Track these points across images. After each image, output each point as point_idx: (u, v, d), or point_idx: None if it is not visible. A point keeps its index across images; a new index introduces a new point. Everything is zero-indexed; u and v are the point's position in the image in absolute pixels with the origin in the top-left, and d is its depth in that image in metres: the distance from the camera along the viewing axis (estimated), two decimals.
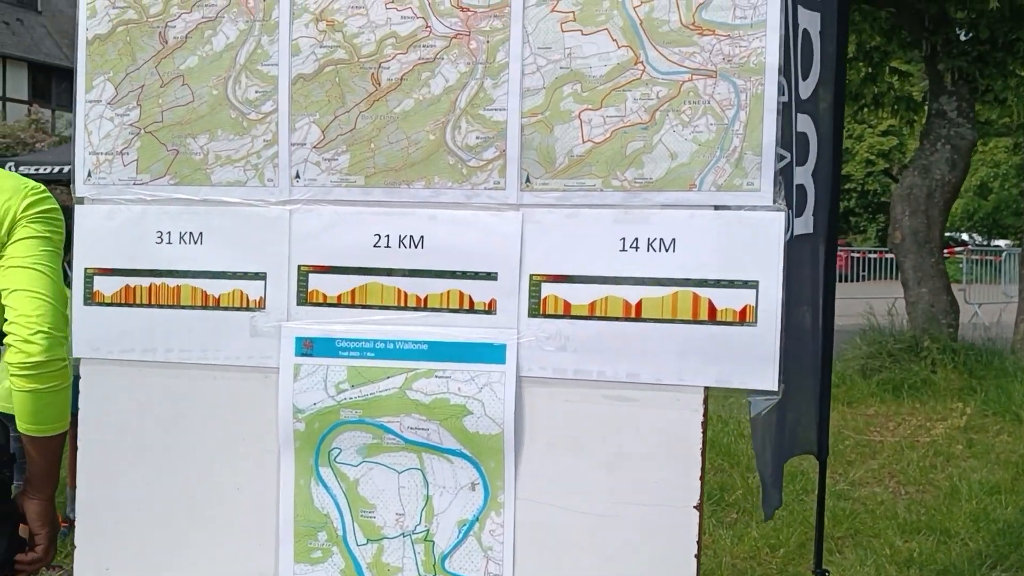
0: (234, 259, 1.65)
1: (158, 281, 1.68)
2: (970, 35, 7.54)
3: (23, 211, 1.49)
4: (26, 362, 1.39)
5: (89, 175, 1.70)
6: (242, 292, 1.65)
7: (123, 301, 1.70)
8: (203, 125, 1.65)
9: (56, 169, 14.99)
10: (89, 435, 1.72)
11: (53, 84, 22.84)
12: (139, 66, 1.67)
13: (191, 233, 1.67)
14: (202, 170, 1.66)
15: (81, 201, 1.71)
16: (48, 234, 1.52)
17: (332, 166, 1.61)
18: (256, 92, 1.63)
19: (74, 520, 3.37)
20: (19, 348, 1.39)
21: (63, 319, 1.48)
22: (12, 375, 1.42)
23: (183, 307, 1.67)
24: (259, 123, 1.63)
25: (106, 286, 1.70)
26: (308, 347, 1.62)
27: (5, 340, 1.42)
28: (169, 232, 1.67)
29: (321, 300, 1.62)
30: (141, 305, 1.69)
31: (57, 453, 1.54)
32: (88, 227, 1.70)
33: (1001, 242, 26.16)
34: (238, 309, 1.65)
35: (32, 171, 14.54)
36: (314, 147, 1.61)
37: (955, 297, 7.68)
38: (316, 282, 1.62)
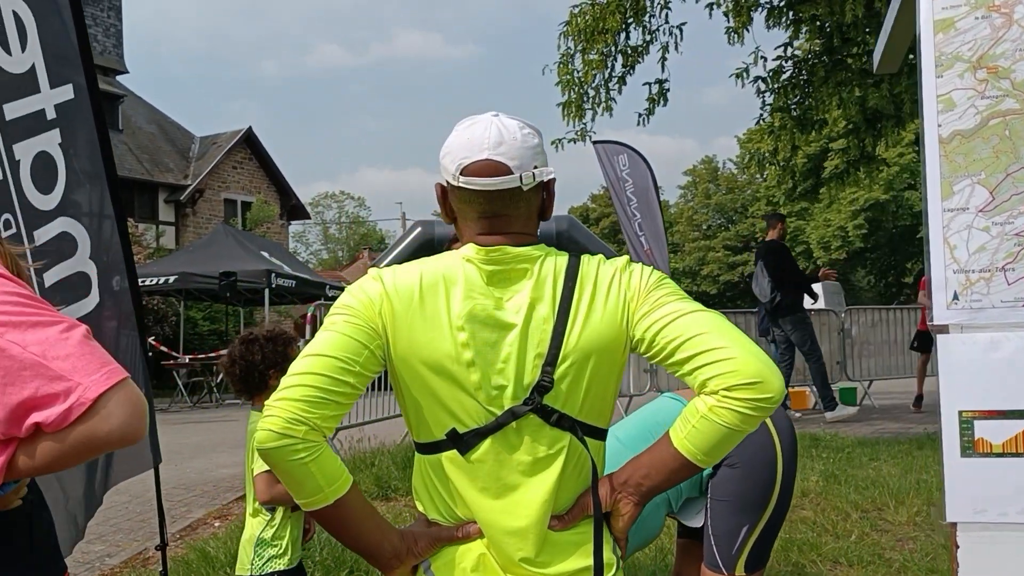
0: None
1: None
2: None
3: (645, 279, 1.33)
4: (761, 398, 1.20)
5: (955, 298, 1.41)
6: None
7: (1021, 451, 1.37)
8: None
9: (161, 280, 15.21)
10: None
11: (135, 199, 23.39)
12: None
13: None
14: None
15: (945, 330, 1.41)
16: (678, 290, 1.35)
17: None
18: None
19: None
20: (751, 384, 1.20)
21: None
22: (731, 409, 1.22)
23: None
24: None
25: (994, 433, 1.38)
26: None
27: (709, 374, 1.23)
28: None
29: None
30: None
31: None
32: (960, 361, 1.40)
33: None
34: None
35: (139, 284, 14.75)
36: None
37: None
38: None
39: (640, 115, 7.80)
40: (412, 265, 1.34)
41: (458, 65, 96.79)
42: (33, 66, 2.77)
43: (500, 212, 1.32)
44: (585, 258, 1.35)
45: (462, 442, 1.29)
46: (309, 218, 36.42)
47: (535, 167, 1.31)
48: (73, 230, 2.93)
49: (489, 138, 1.29)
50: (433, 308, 1.29)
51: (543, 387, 1.27)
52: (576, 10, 7.14)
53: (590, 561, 1.27)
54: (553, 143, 7.90)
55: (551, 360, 1.27)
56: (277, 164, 28.14)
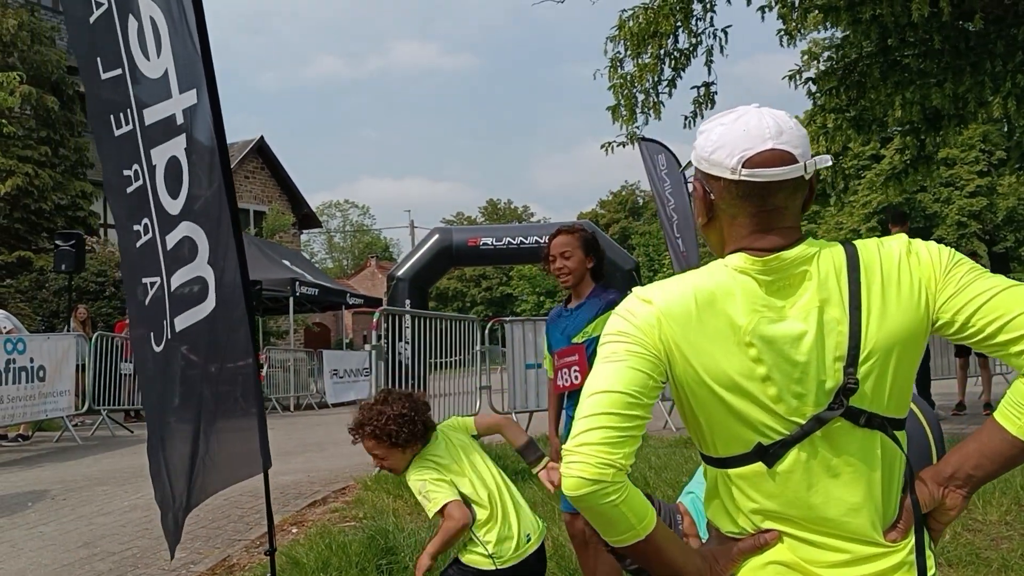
0: None
1: None
2: None
3: (939, 258, 1.29)
4: None
5: None
6: None
7: None
8: None
9: None
10: None
11: None
12: None
13: None
14: None
15: None
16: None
17: None
18: None
19: None
20: None
21: None
22: None
23: None
24: None
25: None
26: None
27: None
28: None
29: None
30: None
31: None
32: None
33: None
34: None
35: None
36: None
37: None
38: None
39: (686, 118, 7.83)
40: (677, 283, 1.31)
41: (455, 75, 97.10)
42: (166, 71, 2.77)
43: (779, 205, 1.27)
44: (861, 245, 1.31)
45: (768, 455, 1.26)
46: (321, 227, 36.47)
47: (812, 155, 1.28)
48: (195, 235, 2.92)
49: (769, 128, 1.26)
50: (714, 326, 1.26)
51: (849, 390, 1.23)
52: (626, 15, 7.19)
53: (909, 558, 1.25)
54: (603, 146, 7.94)
55: (852, 361, 1.23)
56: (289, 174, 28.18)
